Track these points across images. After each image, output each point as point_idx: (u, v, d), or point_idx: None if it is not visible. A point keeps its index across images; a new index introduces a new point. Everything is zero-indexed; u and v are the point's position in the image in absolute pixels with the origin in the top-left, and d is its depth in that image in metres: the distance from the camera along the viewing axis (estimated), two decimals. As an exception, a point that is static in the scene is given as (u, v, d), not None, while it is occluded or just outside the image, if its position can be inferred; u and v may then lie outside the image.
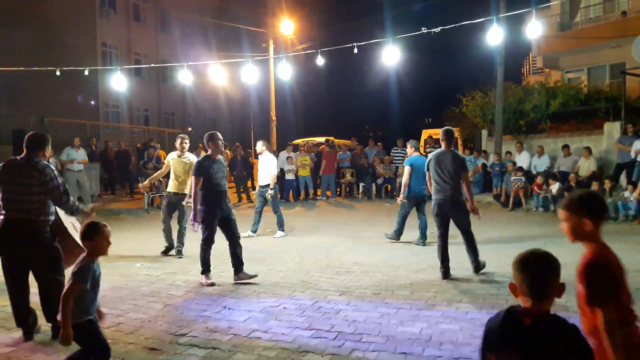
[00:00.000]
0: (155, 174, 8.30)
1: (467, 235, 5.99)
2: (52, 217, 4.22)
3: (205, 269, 5.73)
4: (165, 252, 7.44)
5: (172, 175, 7.52)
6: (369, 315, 4.48)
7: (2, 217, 4.14)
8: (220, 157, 5.94)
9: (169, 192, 7.51)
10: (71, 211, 4.40)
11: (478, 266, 5.99)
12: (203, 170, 5.68)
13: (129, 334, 4.19)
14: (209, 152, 5.85)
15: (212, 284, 5.64)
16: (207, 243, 5.73)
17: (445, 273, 5.81)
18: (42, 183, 4.08)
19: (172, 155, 7.66)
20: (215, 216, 5.71)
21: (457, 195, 5.98)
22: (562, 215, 2.28)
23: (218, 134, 5.93)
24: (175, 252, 7.35)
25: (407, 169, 8.09)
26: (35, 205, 4.06)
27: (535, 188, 11.76)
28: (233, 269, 5.80)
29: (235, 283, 5.72)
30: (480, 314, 4.46)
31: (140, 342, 3.99)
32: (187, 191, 7.41)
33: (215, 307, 4.85)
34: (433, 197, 6.12)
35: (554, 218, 10.87)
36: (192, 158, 7.55)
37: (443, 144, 6.20)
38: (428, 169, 6.21)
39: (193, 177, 5.75)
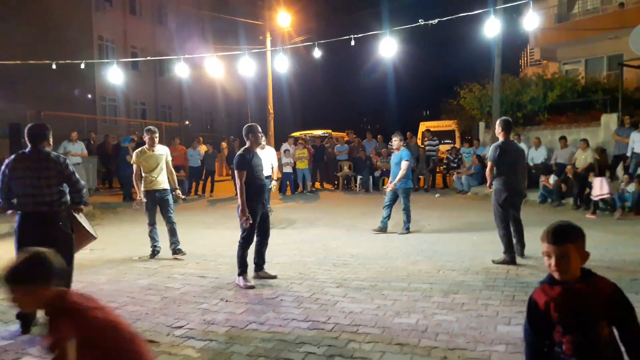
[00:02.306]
0: (136, 185, 7.04)
1: (520, 222, 6.25)
2: (69, 202, 4.36)
3: (243, 269, 5.35)
4: (153, 256, 6.83)
5: (144, 173, 6.79)
6: (366, 306, 4.50)
7: (18, 213, 4.18)
8: (258, 150, 5.67)
9: (147, 192, 6.80)
10: (80, 198, 4.46)
11: (522, 251, 6.16)
12: (246, 163, 5.34)
13: (126, 326, 4.20)
14: (248, 144, 5.53)
15: (252, 287, 5.22)
16: (246, 241, 5.42)
17: (514, 257, 5.95)
18: (59, 172, 4.21)
19: (139, 151, 6.89)
20: (257, 212, 5.42)
21: (522, 184, 6.33)
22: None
23: (257, 126, 5.63)
24: (176, 252, 6.82)
25: (405, 164, 8.22)
26: (56, 196, 4.20)
27: (543, 181, 11.75)
28: (255, 265, 5.64)
29: (232, 276, 5.71)
30: (476, 305, 4.48)
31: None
32: (165, 185, 6.88)
33: (213, 300, 4.86)
34: (502, 188, 6.06)
35: (550, 209, 10.92)
36: (164, 150, 7.00)
37: (502, 134, 6.14)
38: (496, 160, 6.08)
39: (236, 171, 5.33)
